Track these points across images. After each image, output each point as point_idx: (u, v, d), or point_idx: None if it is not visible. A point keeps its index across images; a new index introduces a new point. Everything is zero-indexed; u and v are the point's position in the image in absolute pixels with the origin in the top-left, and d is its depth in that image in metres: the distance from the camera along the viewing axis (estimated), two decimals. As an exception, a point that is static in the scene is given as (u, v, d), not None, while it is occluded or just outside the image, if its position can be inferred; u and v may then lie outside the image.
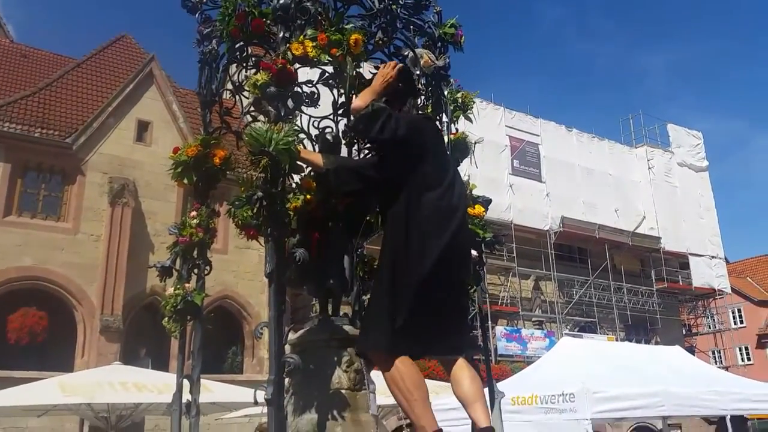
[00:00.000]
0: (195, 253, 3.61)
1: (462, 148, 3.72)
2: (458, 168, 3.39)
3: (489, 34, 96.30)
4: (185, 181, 3.60)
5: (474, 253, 3.45)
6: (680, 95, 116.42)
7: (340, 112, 4.34)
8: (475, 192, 3.73)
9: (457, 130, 3.72)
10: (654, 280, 31.39)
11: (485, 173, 22.12)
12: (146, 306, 19.42)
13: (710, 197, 34.49)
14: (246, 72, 3.56)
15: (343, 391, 3.28)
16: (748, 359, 43.77)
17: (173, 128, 20.93)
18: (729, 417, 10.68)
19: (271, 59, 2.98)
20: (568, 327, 28.51)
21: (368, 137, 3.27)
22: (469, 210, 3.49)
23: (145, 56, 23.02)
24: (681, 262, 32.49)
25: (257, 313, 20.26)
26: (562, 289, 29.00)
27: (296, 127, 3.06)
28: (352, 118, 3.30)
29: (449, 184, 3.05)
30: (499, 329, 25.44)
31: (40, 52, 25.10)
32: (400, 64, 3.26)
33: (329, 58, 3.09)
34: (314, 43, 3.04)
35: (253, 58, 3.44)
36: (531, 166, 29.03)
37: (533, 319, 27.96)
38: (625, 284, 29.88)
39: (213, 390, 10.97)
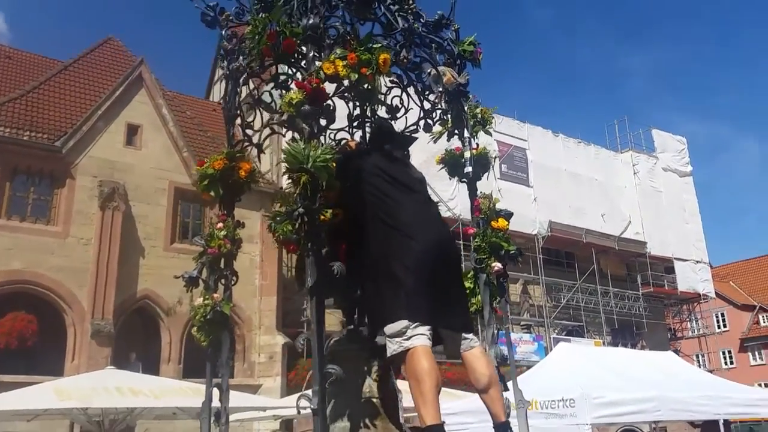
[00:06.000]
0: (222, 263, 3.69)
1: (483, 162, 3.85)
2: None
3: (476, 37, 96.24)
4: (212, 193, 3.68)
5: (498, 265, 3.58)
6: (663, 98, 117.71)
7: (355, 124, 4.43)
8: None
9: (477, 144, 3.84)
10: (640, 285, 31.77)
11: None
12: (137, 310, 19.41)
13: (694, 202, 34.98)
14: (273, 89, 3.64)
15: (374, 400, 3.38)
16: (731, 363, 44.40)
17: (163, 132, 20.90)
18: (722, 421, 10.88)
19: (304, 78, 3.07)
20: (556, 331, 28.76)
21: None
22: (493, 224, 3.62)
23: (132, 59, 22.98)
24: (666, 266, 32.89)
25: (248, 317, 20.27)
26: (550, 294, 29.24)
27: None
28: None
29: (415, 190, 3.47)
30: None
31: (24, 54, 24.92)
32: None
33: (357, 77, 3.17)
34: (344, 63, 3.13)
35: (283, 76, 3.52)
36: (519, 171, 29.26)
37: (522, 323, 28.17)
38: (612, 288, 30.22)
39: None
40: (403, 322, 3.05)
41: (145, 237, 19.61)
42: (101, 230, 18.46)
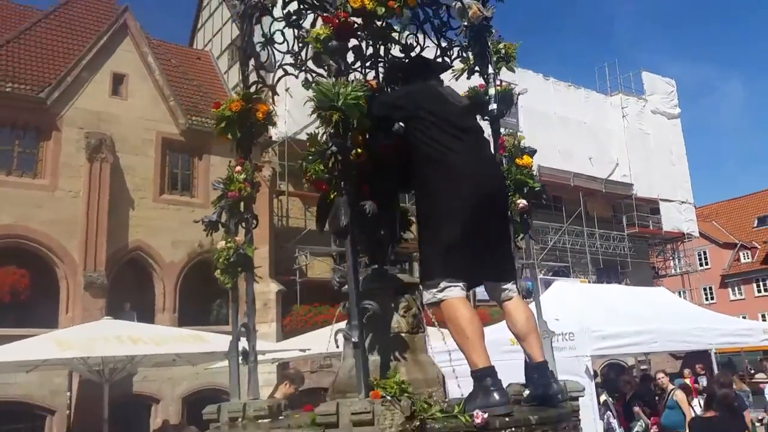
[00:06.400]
0: (242, 207, 3.67)
1: (507, 99, 3.81)
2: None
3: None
4: (229, 136, 3.62)
5: (524, 202, 3.59)
6: (653, 40, 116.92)
7: (367, 63, 4.35)
8: None
9: (501, 81, 3.79)
10: (625, 226, 32.11)
11: (464, 123, 22.20)
12: (129, 261, 19.36)
13: (681, 144, 35.11)
14: (285, 28, 3.56)
15: (403, 335, 3.43)
16: (712, 299, 45.58)
17: (149, 81, 20.50)
18: (713, 350, 11.27)
19: (332, 13, 2.99)
20: (543, 272, 29.09)
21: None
22: (518, 161, 3.61)
23: (115, 7, 22.34)
24: (652, 207, 33.23)
25: (241, 265, 20.27)
26: (537, 236, 29.48)
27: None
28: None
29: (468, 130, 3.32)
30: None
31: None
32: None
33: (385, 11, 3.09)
34: (372, -4, 3.04)
35: (304, 12, 3.43)
36: (509, 116, 29.07)
37: (510, 265, 28.50)
38: (598, 230, 30.56)
39: (209, 340, 11.14)
40: (439, 278, 3.08)
41: (134, 188, 19.44)
42: (89, 182, 18.24)
